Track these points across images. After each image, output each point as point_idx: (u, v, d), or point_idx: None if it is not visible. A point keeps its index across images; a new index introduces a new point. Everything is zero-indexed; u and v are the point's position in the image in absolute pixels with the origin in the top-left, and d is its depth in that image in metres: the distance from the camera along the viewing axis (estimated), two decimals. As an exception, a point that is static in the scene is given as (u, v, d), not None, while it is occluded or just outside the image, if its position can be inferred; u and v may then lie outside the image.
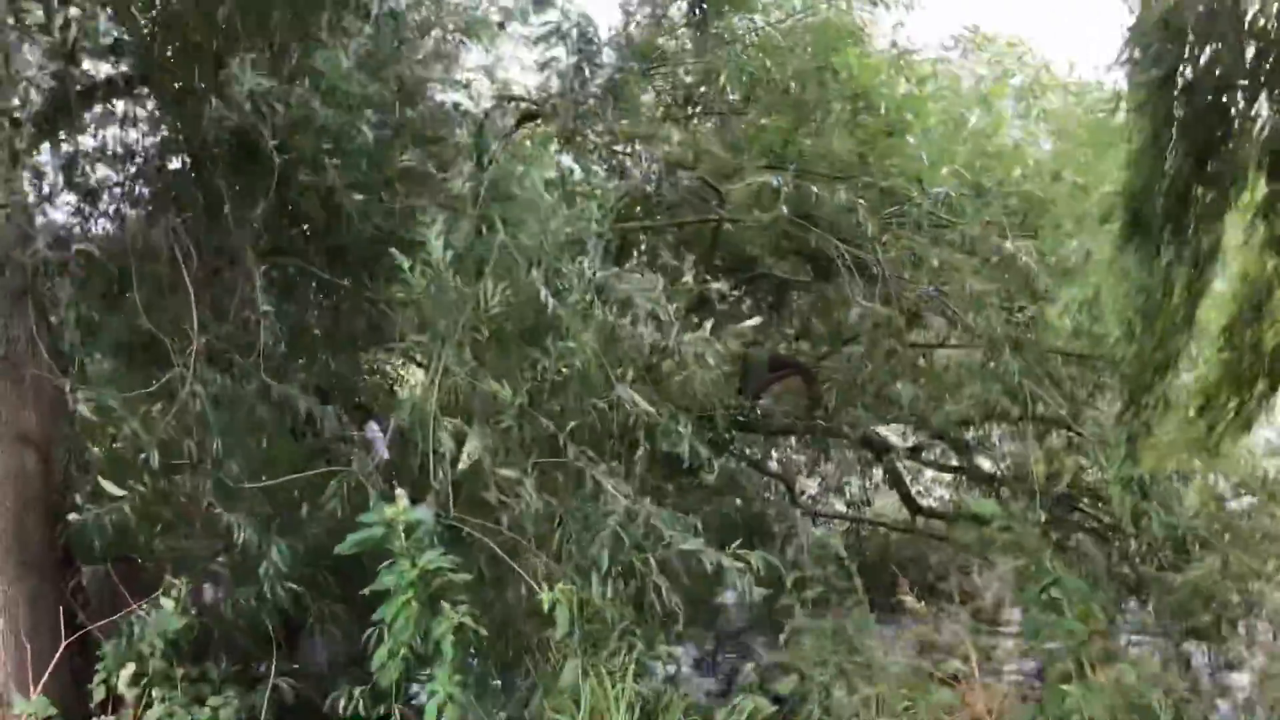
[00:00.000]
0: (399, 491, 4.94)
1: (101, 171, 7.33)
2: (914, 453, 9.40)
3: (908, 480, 10.61)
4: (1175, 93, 4.85)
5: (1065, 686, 4.71)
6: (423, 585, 4.83)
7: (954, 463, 10.23)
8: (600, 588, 4.83)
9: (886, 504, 13.45)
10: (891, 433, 9.89)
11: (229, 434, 6.20)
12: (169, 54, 6.81)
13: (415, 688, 5.16)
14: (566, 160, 8.87)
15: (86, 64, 6.64)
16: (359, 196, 6.40)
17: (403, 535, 4.82)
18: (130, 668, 5.08)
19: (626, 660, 4.77)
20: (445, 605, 4.74)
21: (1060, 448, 8.66)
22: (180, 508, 6.55)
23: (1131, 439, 6.02)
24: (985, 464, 10.29)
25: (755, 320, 6.15)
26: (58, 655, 5.48)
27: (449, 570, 4.85)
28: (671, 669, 5.38)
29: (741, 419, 7.75)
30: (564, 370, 5.44)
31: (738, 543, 5.17)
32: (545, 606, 4.63)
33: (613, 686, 4.68)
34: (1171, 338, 5.39)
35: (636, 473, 5.25)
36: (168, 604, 5.32)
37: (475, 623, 4.84)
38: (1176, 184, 5.02)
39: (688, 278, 5.96)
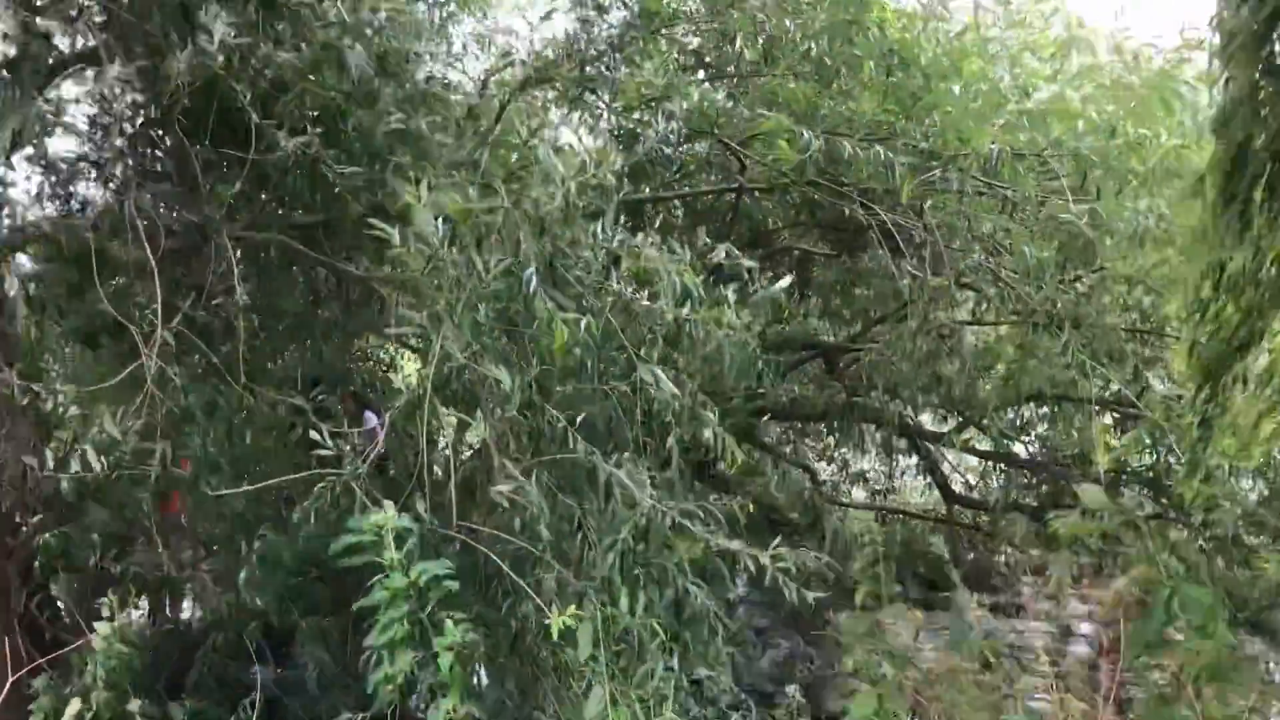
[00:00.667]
0: (386, 503, 4.26)
1: (62, 143, 6.72)
2: (959, 433, 8.76)
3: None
4: (1276, 35, 4.23)
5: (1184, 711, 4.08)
6: (418, 600, 4.17)
7: (985, 448, 9.62)
8: (628, 601, 4.18)
9: (910, 493, 12.92)
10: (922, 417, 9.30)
11: (205, 431, 5.62)
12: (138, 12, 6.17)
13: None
14: (571, 125, 8.31)
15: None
16: (346, 169, 5.78)
17: (392, 545, 4.16)
18: (75, 705, 4.32)
19: (662, 685, 4.13)
20: (449, 623, 4.09)
21: (1110, 430, 8.09)
22: (150, 514, 5.90)
23: (1206, 421, 5.48)
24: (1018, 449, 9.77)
25: (785, 281, 5.49)
26: (7, 685, 4.82)
27: (447, 579, 4.19)
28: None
29: (777, 404, 7.10)
30: (575, 352, 4.78)
31: (776, 541, 4.54)
32: (555, 631, 3.95)
33: (646, 716, 4.04)
34: (1258, 313, 4.80)
35: (673, 464, 4.58)
36: (104, 629, 4.55)
37: (482, 643, 4.21)
38: (1275, 142, 4.40)
39: (717, 253, 5.28)
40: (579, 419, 4.61)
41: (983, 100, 6.64)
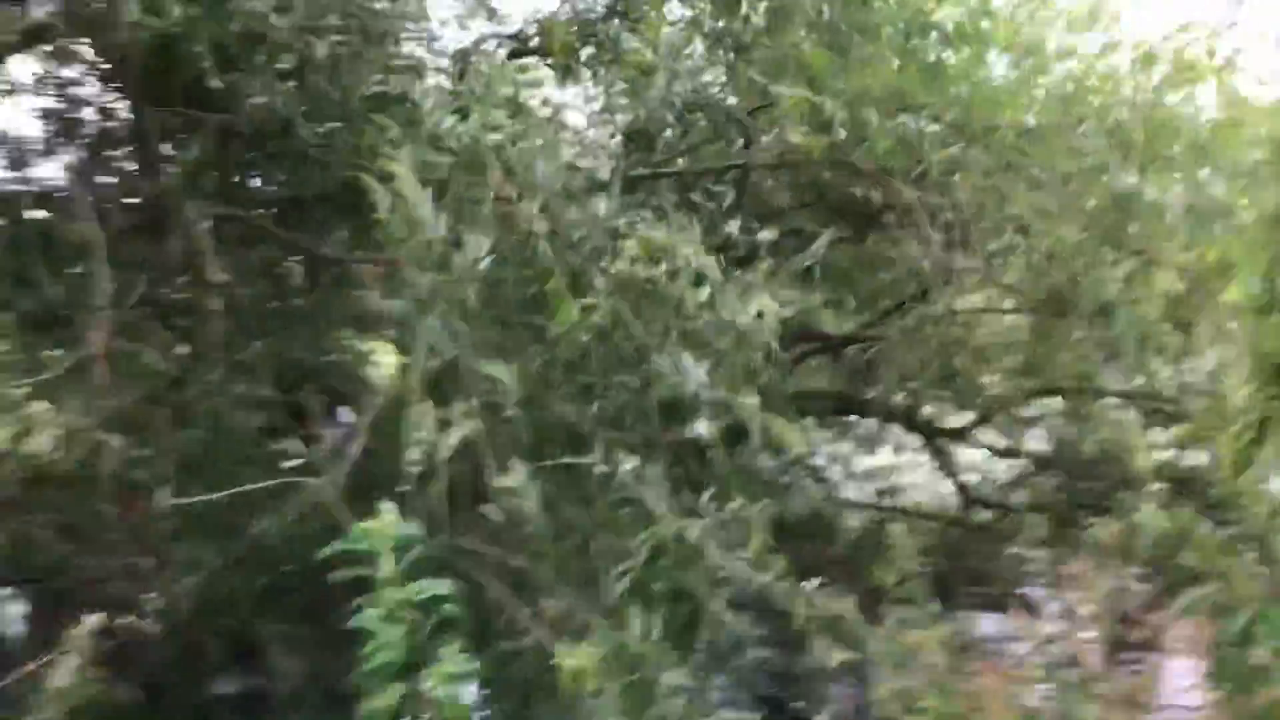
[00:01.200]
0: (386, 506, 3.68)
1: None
2: (975, 429, 8.29)
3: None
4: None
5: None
6: (420, 619, 3.61)
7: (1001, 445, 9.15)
8: (643, 626, 3.65)
9: (913, 491, 12.43)
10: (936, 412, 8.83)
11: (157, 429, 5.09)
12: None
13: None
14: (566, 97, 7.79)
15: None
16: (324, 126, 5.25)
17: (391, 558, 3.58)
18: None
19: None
20: (446, 650, 3.53)
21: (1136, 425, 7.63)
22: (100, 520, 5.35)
23: (1265, 418, 5.02)
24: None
25: (825, 237, 5.00)
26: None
27: (448, 600, 3.63)
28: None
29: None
30: (581, 340, 4.23)
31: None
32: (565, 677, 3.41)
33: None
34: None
35: (711, 462, 4.04)
36: (71, 662, 3.91)
37: (482, 672, 3.67)
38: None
39: (729, 226, 4.78)
40: (588, 416, 4.07)
41: (1016, 68, 6.14)
